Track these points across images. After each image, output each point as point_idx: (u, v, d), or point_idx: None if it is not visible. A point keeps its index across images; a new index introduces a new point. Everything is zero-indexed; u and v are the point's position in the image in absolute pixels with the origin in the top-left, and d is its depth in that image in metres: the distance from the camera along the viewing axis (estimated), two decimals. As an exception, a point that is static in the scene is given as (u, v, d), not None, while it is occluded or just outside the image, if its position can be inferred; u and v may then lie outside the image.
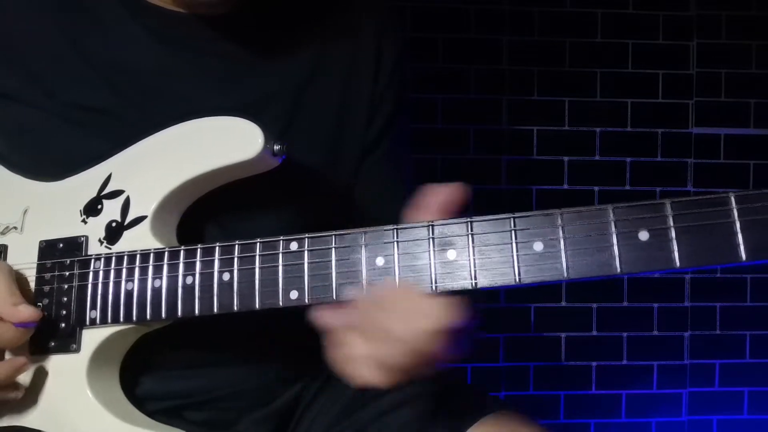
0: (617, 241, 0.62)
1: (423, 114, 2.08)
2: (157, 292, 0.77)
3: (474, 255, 0.65)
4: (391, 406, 0.90)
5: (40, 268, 0.83)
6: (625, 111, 2.16)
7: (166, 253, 0.78)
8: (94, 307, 0.80)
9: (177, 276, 0.76)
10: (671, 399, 2.16)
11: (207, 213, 0.86)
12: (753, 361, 2.16)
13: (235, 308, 0.73)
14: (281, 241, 0.73)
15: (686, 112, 2.17)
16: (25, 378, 0.83)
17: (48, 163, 0.87)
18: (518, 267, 0.64)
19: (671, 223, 0.60)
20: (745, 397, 2.16)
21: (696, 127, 2.17)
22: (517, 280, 0.64)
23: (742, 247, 0.58)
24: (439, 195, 0.67)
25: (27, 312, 0.77)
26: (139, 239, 0.81)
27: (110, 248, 0.82)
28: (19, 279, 0.83)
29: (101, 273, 0.80)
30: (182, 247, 0.77)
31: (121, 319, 0.78)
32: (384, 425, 0.88)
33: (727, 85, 2.17)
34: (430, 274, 0.66)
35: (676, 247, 0.60)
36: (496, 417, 0.85)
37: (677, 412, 2.16)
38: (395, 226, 0.68)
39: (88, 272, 0.81)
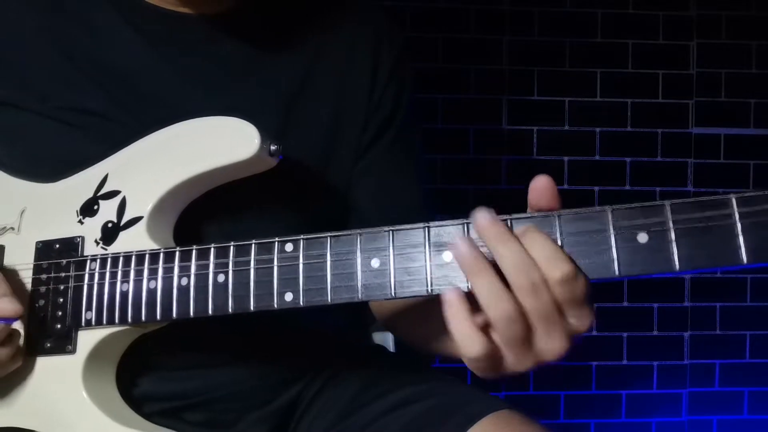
0: (616, 244, 0.60)
1: (423, 114, 2.08)
2: (152, 293, 0.76)
3: None
4: (391, 407, 0.89)
5: (37, 269, 0.83)
6: (625, 111, 2.16)
7: (162, 254, 0.77)
8: (89, 308, 0.79)
9: (172, 277, 0.76)
10: (671, 399, 2.16)
11: (205, 214, 0.85)
12: (753, 361, 2.16)
13: (230, 310, 0.72)
14: (276, 243, 0.72)
15: (686, 112, 2.17)
16: (20, 378, 0.83)
17: (44, 165, 0.87)
18: None
19: (671, 226, 0.59)
20: (745, 397, 2.16)
21: (696, 127, 2.17)
22: None
23: (743, 250, 0.57)
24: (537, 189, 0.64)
25: (9, 307, 0.74)
26: (135, 240, 0.80)
27: (106, 249, 0.81)
28: (15, 280, 0.83)
29: (97, 274, 0.80)
30: (177, 248, 0.77)
31: (116, 321, 0.78)
32: (384, 426, 0.87)
33: (727, 85, 2.16)
34: (426, 276, 0.66)
35: (675, 250, 0.59)
36: (496, 417, 0.84)
37: (677, 412, 2.16)
38: (391, 228, 0.67)
39: (84, 273, 0.80)
